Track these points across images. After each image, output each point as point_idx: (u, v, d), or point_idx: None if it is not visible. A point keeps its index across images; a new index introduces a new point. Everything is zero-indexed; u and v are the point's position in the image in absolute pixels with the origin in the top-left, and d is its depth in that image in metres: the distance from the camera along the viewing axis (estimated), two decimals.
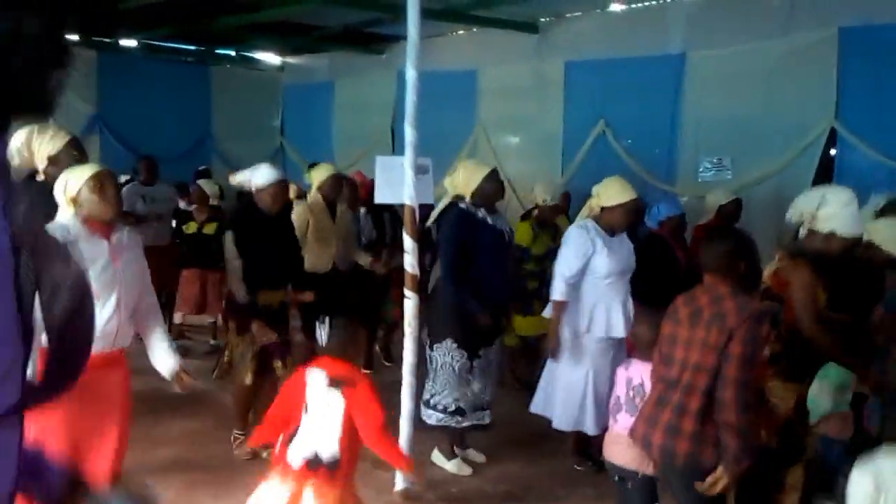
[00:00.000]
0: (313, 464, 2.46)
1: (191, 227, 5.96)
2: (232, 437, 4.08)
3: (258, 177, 3.93)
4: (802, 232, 2.94)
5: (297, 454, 2.49)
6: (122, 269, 2.65)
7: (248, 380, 3.92)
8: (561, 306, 3.71)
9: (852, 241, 2.85)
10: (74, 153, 3.41)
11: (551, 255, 5.09)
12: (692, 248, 5.33)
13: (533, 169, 7.39)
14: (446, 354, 3.83)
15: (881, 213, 3.75)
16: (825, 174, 5.63)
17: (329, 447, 2.47)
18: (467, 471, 3.87)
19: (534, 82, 7.51)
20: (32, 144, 3.39)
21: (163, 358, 2.81)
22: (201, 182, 6.35)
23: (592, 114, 6.90)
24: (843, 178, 5.42)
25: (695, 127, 6.32)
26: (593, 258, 3.68)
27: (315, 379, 2.54)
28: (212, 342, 6.10)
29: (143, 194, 6.14)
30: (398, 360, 3.87)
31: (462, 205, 3.91)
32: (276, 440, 2.63)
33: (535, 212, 5.14)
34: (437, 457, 3.96)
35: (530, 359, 5.24)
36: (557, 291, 3.72)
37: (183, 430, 4.37)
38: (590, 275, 3.71)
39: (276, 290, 3.96)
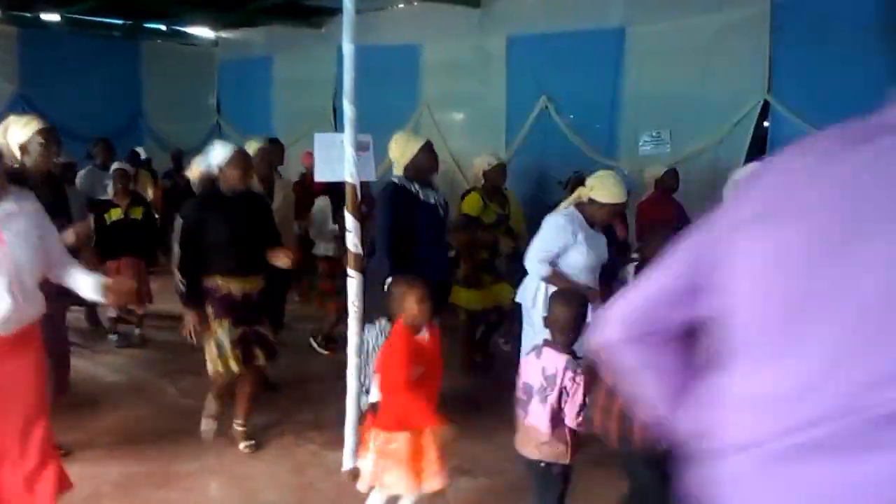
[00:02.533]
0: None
1: (116, 214, 5.53)
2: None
3: (215, 156, 3.68)
4: None
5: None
6: (11, 244, 2.37)
7: (235, 367, 3.63)
8: (554, 275, 3.62)
9: None
10: (41, 141, 3.43)
11: (502, 222, 5.14)
12: (638, 222, 5.42)
13: (477, 145, 7.34)
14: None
15: None
16: (759, 147, 5.79)
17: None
18: None
19: (477, 57, 7.46)
20: (8, 133, 3.37)
21: (84, 280, 2.60)
22: (123, 165, 5.92)
23: (535, 89, 6.91)
24: (776, 150, 5.53)
25: (634, 101, 6.40)
26: (571, 250, 3.63)
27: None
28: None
29: (103, 179, 5.90)
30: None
31: (396, 180, 3.84)
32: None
33: (483, 180, 5.14)
34: None
35: (482, 335, 5.27)
36: (542, 270, 3.62)
37: (120, 421, 4.22)
38: (563, 265, 3.66)
39: (244, 276, 3.67)
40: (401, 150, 3.83)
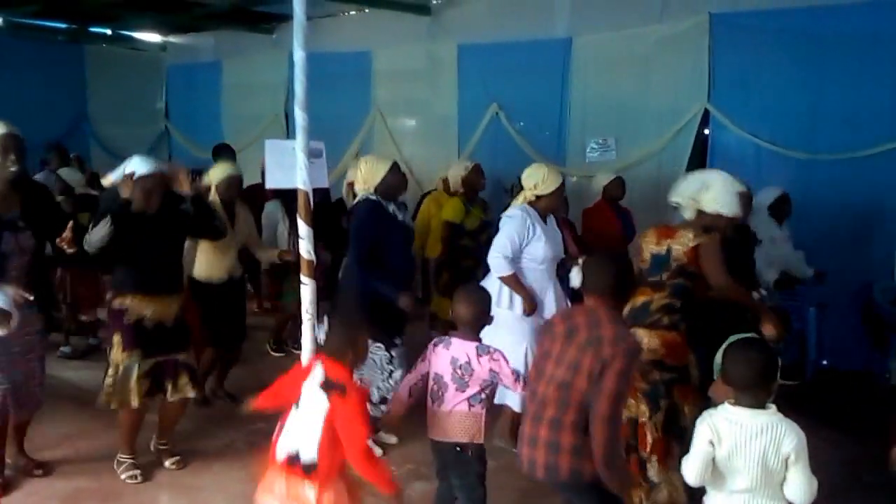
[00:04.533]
0: (293, 461, 2.38)
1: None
2: (115, 462, 3.67)
3: (134, 171, 3.50)
4: (689, 214, 3.20)
5: (282, 448, 2.43)
6: None
7: (135, 402, 3.46)
8: (513, 278, 3.79)
9: (734, 219, 3.19)
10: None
11: (486, 228, 5.24)
12: (584, 226, 5.54)
13: (430, 151, 7.44)
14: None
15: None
16: (700, 153, 6.00)
17: (309, 449, 2.36)
18: (378, 451, 3.89)
19: (428, 65, 7.53)
20: None
21: None
22: (62, 172, 5.82)
23: (485, 96, 7.01)
24: (716, 156, 5.81)
25: (582, 109, 6.56)
26: (532, 243, 3.82)
27: (315, 374, 2.43)
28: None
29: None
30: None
31: (373, 197, 3.94)
32: (275, 408, 2.56)
33: (462, 187, 5.27)
34: None
35: None
36: (501, 268, 3.80)
37: (65, 434, 4.12)
38: (528, 260, 3.85)
39: (159, 297, 3.51)
40: (370, 173, 3.96)
